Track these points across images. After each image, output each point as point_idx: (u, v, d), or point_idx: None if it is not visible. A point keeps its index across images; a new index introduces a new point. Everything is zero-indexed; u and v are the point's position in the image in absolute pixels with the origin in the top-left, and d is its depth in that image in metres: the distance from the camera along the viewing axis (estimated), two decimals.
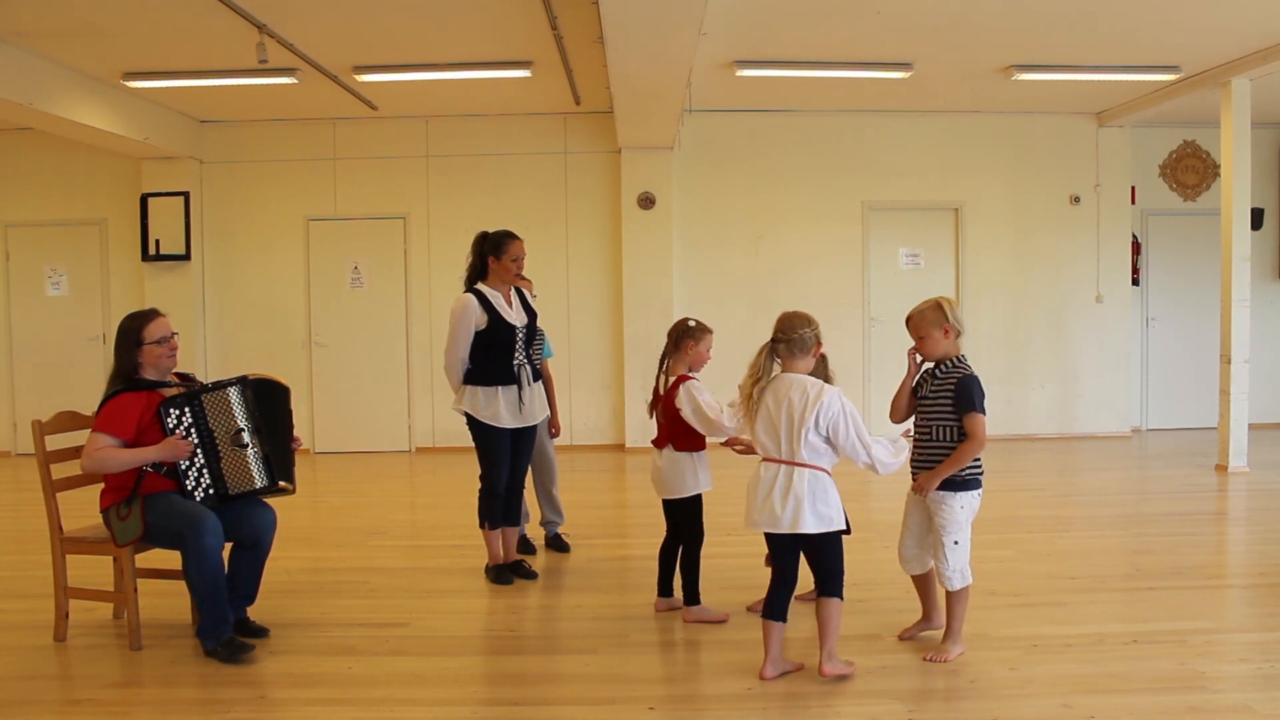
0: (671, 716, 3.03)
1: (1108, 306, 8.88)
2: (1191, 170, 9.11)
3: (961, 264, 8.82)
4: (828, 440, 3.16)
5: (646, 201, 8.51)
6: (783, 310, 3.34)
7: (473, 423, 4.41)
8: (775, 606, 3.25)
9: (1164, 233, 9.16)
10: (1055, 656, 3.41)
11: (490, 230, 4.49)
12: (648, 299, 8.46)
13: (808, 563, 3.28)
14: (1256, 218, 8.72)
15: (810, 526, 3.14)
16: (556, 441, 5.28)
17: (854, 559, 4.77)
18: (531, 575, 4.57)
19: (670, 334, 3.86)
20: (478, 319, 4.33)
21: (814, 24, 6.20)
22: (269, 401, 3.77)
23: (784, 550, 3.27)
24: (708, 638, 3.73)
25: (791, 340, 3.22)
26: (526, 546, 5.01)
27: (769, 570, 3.40)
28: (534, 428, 4.58)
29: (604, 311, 8.75)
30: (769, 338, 3.29)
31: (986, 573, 4.42)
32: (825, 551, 3.22)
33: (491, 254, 4.40)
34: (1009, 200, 8.83)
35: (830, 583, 3.22)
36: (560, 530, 5.20)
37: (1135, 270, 9.00)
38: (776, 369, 3.27)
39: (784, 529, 3.16)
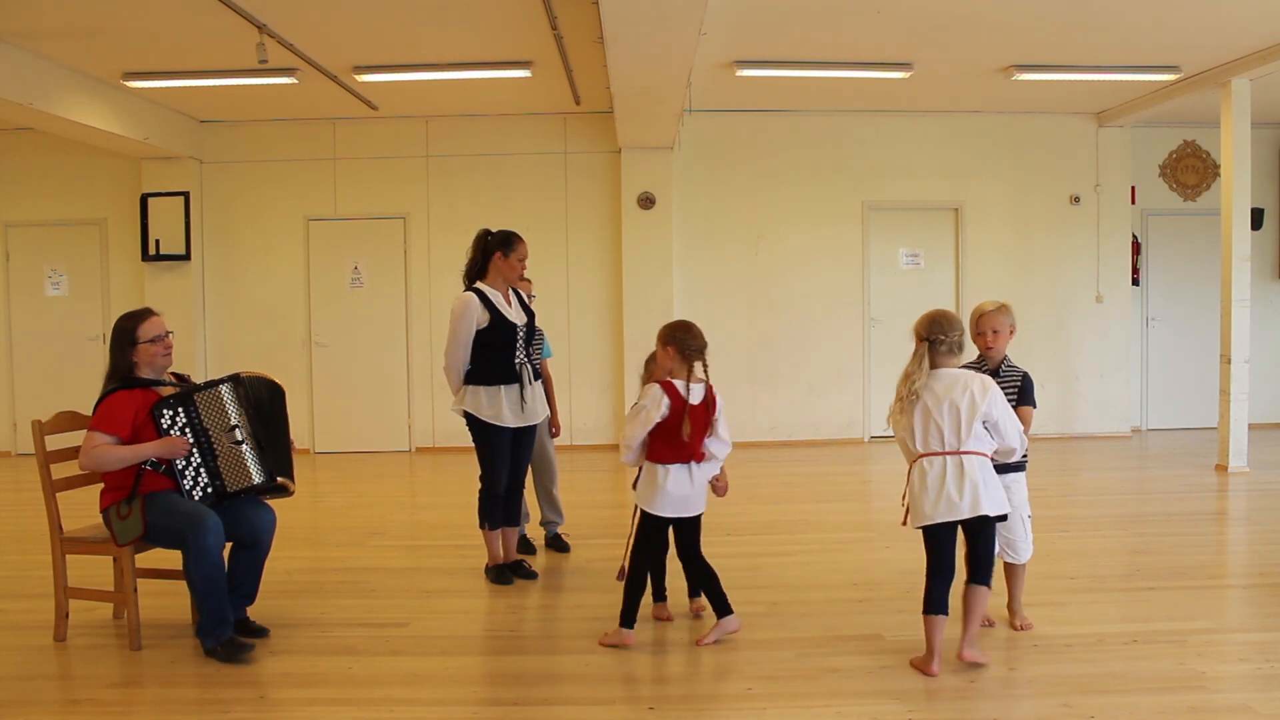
0: (671, 716, 3.03)
1: (1108, 306, 8.88)
2: (1191, 170, 9.11)
3: (961, 264, 8.81)
4: (987, 427, 3.29)
5: (646, 201, 8.51)
6: (930, 310, 3.40)
7: (474, 423, 4.40)
8: (937, 600, 3.30)
9: (1164, 233, 9.16)
10: (1055, 656, 3.41)
11: (493, 229, 4.48)
12: (648, 299, 8.45)
13: (966, 551, 3.33)
14: (1256, 218, 8.72)
15: (989, 508, 3.23)
16: (556, 441, 5.28)
17: (854, 559, 4.81)
18: (531, 575, 4.57)
19: None
20: (479, 317, 4.32)
21: (814, 24, 6.20)
22: (263, 399, 3.77)
23: (947, 542, 3.32)
24: None
25: (950, 341, 3.33)
26: (526, 546, 5.01)
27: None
28: (534, 427, 4.58)
29: (604, 311, 8.75)
30: (923, 338, 3.34)
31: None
32: (988, 536, 3.32)
33: (500, 250, 4.39)
34: (1009, 200, 8.83)
35: (983, 571, 3.31)
36: (560, 530, 5.21)
37: (1135, 270, 9.00)
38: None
39: (965, 514, 3.22)
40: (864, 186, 8.76)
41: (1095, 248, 8.86)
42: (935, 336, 3.31)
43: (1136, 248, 9.01)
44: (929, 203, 8.82)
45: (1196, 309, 9.04)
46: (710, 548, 4.04)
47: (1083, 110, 8.69)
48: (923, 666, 3.30)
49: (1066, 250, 8.85)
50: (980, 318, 3.65)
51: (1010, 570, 3.69)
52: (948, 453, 3.26)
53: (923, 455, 3.31)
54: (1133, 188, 8.95)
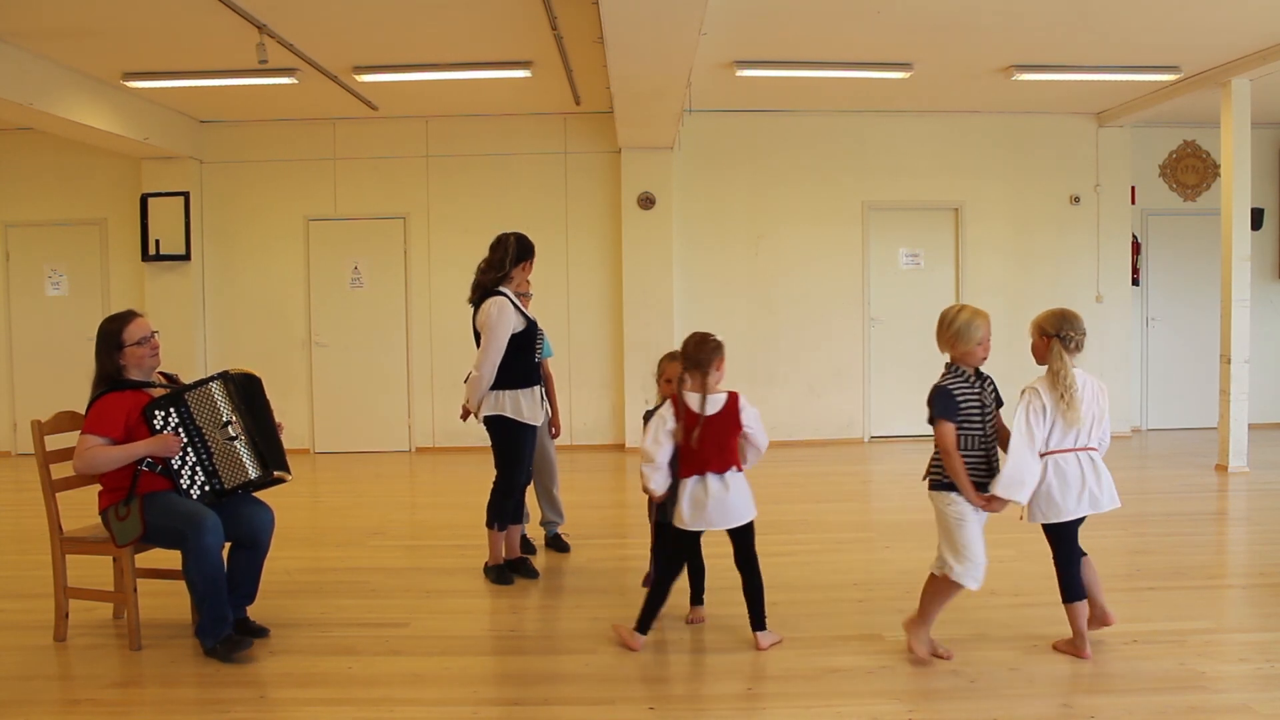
0: (671, 716, 3.03)
1: (1108, 306, 8.88)
2: (1191, 170, 9.11)
3: (961, 264, 8.81)
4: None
5: (646, 201, 8.51)
6: (1051, 308, 3.43)
7: (505, 425, 4.41)
8: (1080, 587, 3.41)
9: (1164, 233, 9.16)
10: (1055, 656, 3.41)
11: (518, 233, 4.52)
12: (648, 299, 8.46)
13: (1057, 555, 3.42)
14: (1256, 218, 8.72)
15: (1118, 500, 3.41)
16: (556, 441, 5.28)
17: (854, 559, 4.80)
18: (533, 574, 4.57)
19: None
20: (516, 322, 4.35)
21: (814, 24, 6.20)
22: (250, 393, 3.77)
23: (1074, 536, 3.42)
24: (708, 638, 3.73)
25: (1078, 338, 3.34)
26: (527, 546, 5.00)
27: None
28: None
29: (604, 311, 8.75)
30: (1055, 335, 3.34)
31: (987, 572, 4.42)
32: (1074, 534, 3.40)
33: (529, 260, 4.48)
34: (1009, 200, 8.83)
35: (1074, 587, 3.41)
36: (560, 530, 5.20)
37: (1135, 270, 9.00)
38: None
39: (1106, 507, 3.35)
40: (864, 186, 8.76)
41: (1095, 248, 8.86)
42: (1067, 333, 3.31)
43: (1136, 248, 9.01)
44: (929, 203, 8.82)
45: (1196, 309, 9.04)
46: (711, 547, 4.05)
47: (1083, 110, 8.68)
48: (1077, 651, 3.39)
49: (1066, 250, 8.85)
50: (984, 324, 3.43)
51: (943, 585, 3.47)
52: (1079, 449, 3.31)
53: (1055, 452, 3.31)
54: (1133, 188, 8.95)
